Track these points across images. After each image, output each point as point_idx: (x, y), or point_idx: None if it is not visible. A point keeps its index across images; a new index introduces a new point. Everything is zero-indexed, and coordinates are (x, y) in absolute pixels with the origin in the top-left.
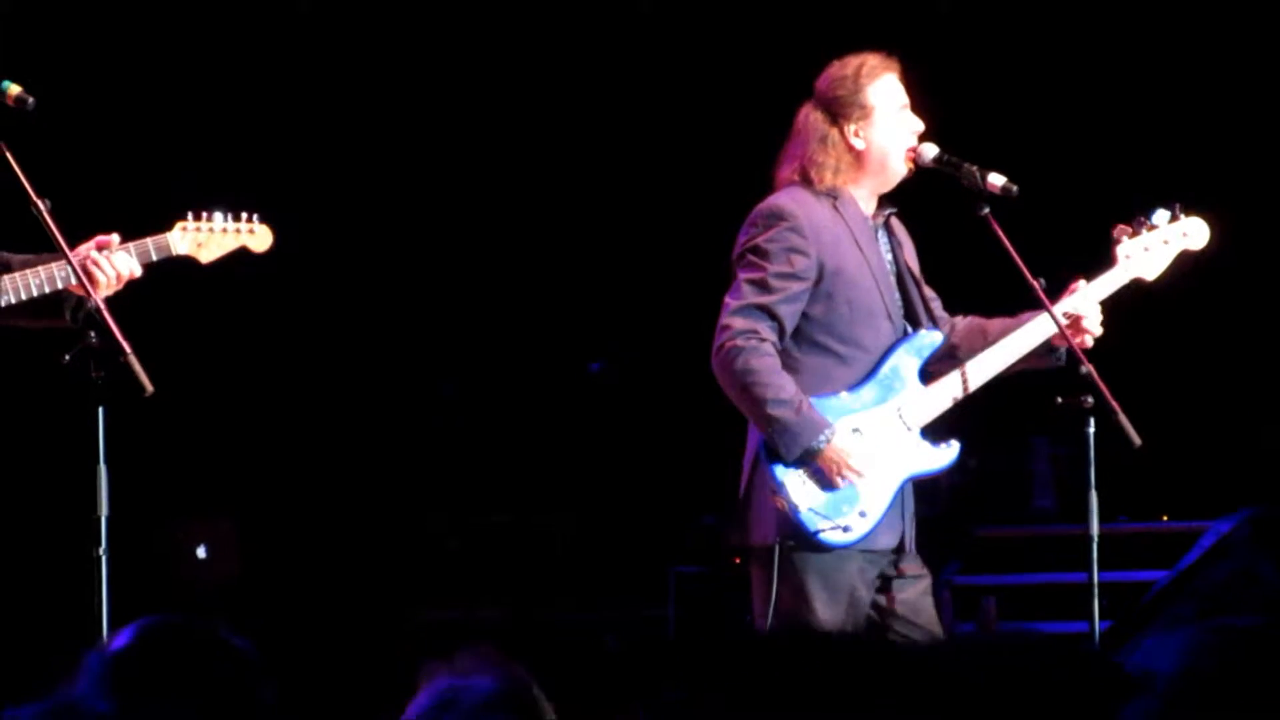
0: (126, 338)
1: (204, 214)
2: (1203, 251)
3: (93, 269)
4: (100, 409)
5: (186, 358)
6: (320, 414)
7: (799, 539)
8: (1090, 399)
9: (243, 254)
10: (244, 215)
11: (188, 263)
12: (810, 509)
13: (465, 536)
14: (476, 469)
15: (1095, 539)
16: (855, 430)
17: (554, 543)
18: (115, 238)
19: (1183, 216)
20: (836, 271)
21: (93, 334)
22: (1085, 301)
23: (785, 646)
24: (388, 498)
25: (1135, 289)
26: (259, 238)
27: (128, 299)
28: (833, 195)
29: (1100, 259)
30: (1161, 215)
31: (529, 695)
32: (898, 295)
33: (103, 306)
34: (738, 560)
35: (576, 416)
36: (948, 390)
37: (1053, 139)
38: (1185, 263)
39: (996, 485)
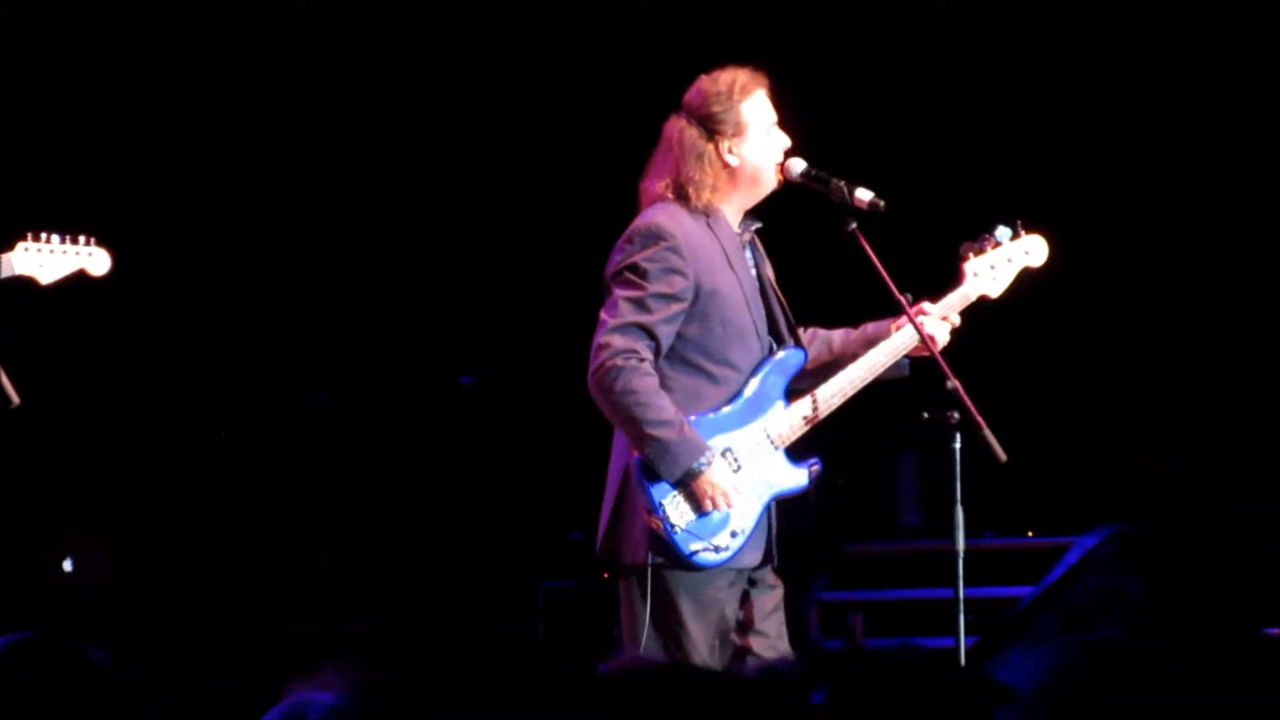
0: None
1: (43, 235)
2: (1042, 269)
3: None
4: None
5: (52, 371)
6: (191, 427)
7: (672, 558)
8: (956, 415)
9: (81, 276)
10: (81, 238)
11: (28, 284)
12: (685, 530)
13: (333, 550)
14: (345, 482)
15: (961, 554)
16: (726, 450)
17: (423, 556)
18: None
19: (1024, 234)
20: (712, 292)
21: None
22: (933, 319)
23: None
24: (258, 510)
25: (985, 306)
26: (96, 260)
27: None
28: (706, 213)
29: (946, 276)
30: (1004, 232)
31: (378, 710)
32: (764, 312)
33: None
34: (606, 575)
35: (446, 430)
36: (809, 409)
37: (895, 156)
38: (1026, 279)
39: (863, 501)
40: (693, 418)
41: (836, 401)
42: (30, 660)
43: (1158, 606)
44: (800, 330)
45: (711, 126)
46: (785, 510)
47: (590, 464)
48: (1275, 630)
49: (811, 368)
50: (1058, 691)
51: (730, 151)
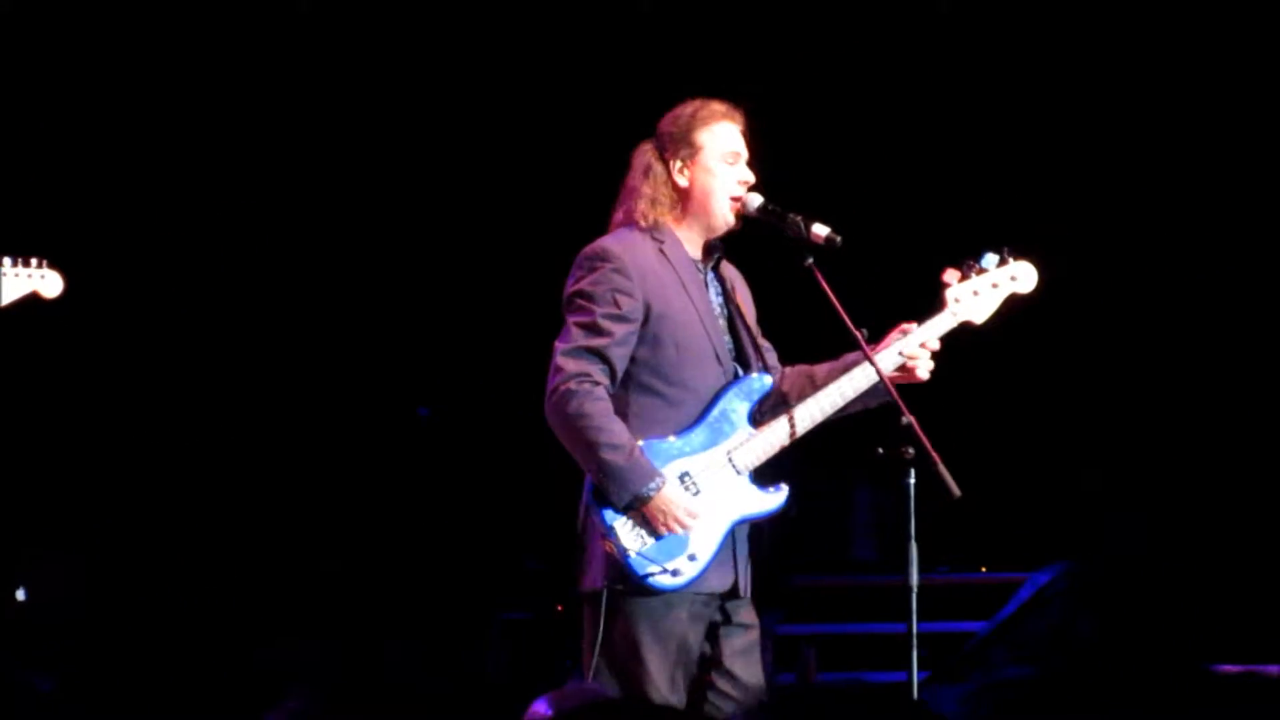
0: None
1: None
2: (1031, 295)
3: None
4: None
5: (9, 392)
6: (147, 454)
7: (627, 583)
8: (911, 450)
9: (34, 299)
10: (34, 261)
11: None
12: (639, 553)
13: (293, 578)
14: (304, 512)
15: (915, 589)
16: (685, 474)
17: (379, 586)
18: None
19: (1012, 260)
20: (663, 313)
21: None
22: (913, 345)
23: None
24: (218, 539)
25: (964, 333)
26: (49, 283)
27: None
28: (659, 238)
29: (930, 303)
30: (991, 259)
31: None
32: (728, 339)
33: None
34: (560, 608)
35: (403, 461)
36: (777, 434)
37: (880, 184)
38: (1013, 306)
39: (817, 534)
40: (649, 441)
41: (809, 424)
42: None
43: (1109, 643)
44: (785, 368)
45: (665, 144)
46: (748, 540)
47: (549, 494)
48: (1226, 667)
49: (795, 404)
50: None
51: (680, 172)
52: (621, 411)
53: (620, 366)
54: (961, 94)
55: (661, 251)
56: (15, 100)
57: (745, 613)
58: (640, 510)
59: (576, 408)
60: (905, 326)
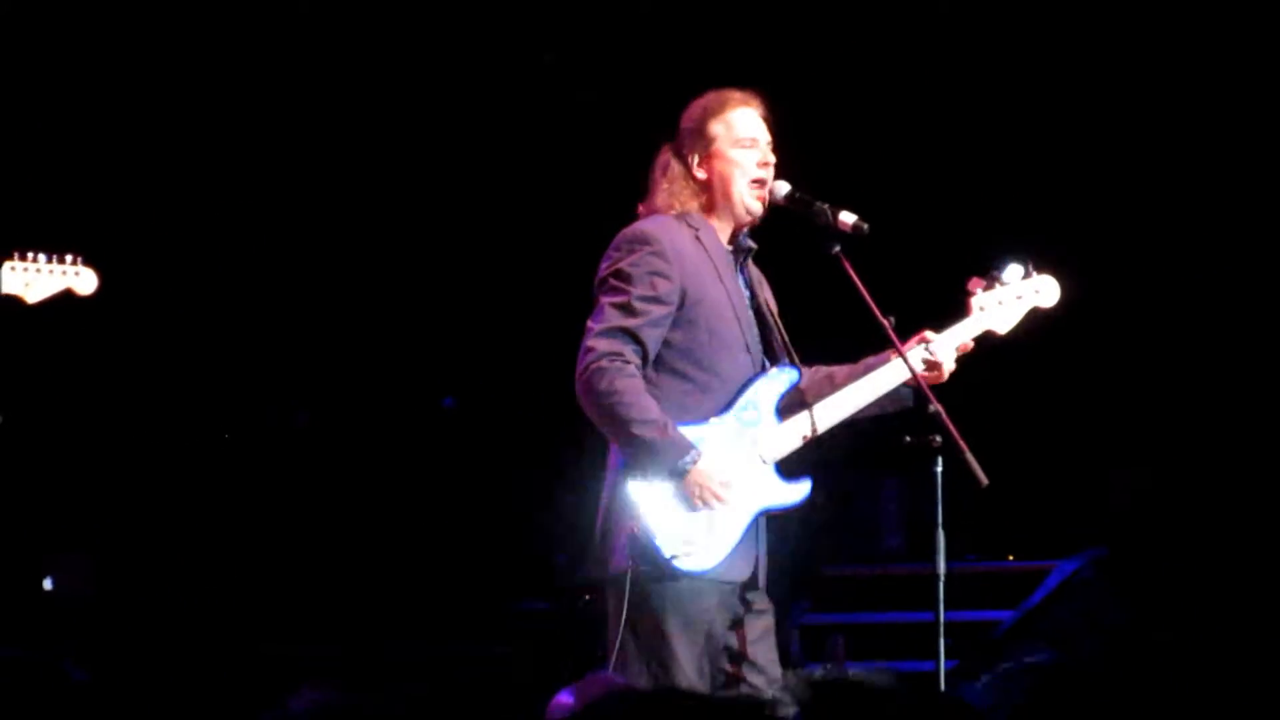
0: None
1: (29, 254)
2: (1053, 309)
3: None
4: None
5: (35, 388)
6: (167, 446)
7: (652, 563)
8: (938, 438)
9: (68, 296)
10: (69, 257)
11: (13, 303)
12: (666, 533)
13: (314, 572)
14: (325, 503)
15: (942, 577)
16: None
17: (399, 578)
18: None
19: (1035, 274)
20: (698, 299)
21: None
22: (939, 346)
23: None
24: (232, 531)
25: (985, 340)
26: (84, 280)
27: None
28: (694, 225)
29: (954, 308)
30: (1015, 271)
31: None
32: (756, 331)
33: None
34: (589, 597)
35: (428, 452)
36: (802, 427)
37: (878, 188)
38: (1035, 318)
39: (845, 524)
40: (678, 425)
41: (835, 418)
42: (8, 676)
43: (1136, 630)
44: (804, 368)
45: (683, 140)
46: (768, 530)
47: (577, 487)
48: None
49: (814, 402)
50: (996, 713)
51: (699, 166)
52: (652, 395)
53: (653, 348)
54: (959, 94)
55: (698, 238)
56: (16, 101)
57: (761, 600)
58: (675, 485)
59: (608, 385)
60: (927, 335)
